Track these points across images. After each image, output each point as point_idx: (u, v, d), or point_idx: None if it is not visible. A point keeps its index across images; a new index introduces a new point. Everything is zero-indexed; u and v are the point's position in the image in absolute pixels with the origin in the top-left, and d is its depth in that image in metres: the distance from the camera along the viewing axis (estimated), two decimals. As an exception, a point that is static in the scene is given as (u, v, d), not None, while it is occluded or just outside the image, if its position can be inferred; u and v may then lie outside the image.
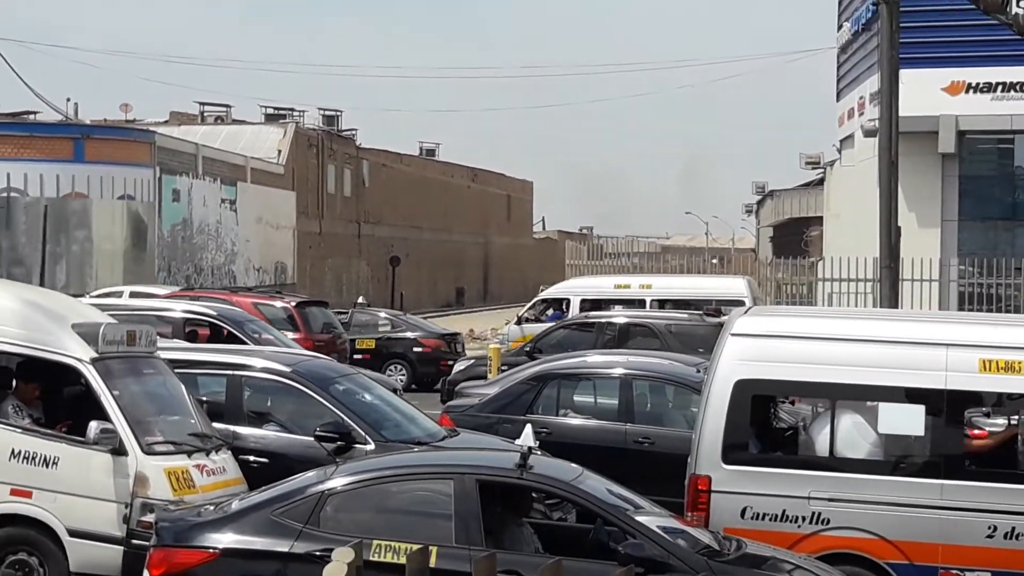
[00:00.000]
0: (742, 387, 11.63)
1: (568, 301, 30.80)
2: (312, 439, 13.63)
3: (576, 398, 17.28)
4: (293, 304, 26.43)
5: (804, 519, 11.40)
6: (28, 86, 53.30)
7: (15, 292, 13.36)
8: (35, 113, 56.18)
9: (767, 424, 12.50)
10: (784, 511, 11.42)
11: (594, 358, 19.01)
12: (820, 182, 57.30)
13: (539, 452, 10.88)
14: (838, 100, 44.90)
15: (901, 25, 23.67)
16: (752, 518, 11.42)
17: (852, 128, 41.54)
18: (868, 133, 34.33)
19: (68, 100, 56.28)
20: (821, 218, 52.11)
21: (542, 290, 35.20)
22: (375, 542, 9.60)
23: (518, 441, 10.41)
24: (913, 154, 31.97)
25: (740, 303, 28.53)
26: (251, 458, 13.50)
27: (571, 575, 9.03)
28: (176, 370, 13.44)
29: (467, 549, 9.56)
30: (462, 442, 14.40)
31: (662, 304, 29.31)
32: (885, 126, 22.87)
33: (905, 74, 24.62)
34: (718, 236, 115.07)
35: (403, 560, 9.36)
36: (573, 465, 10.86)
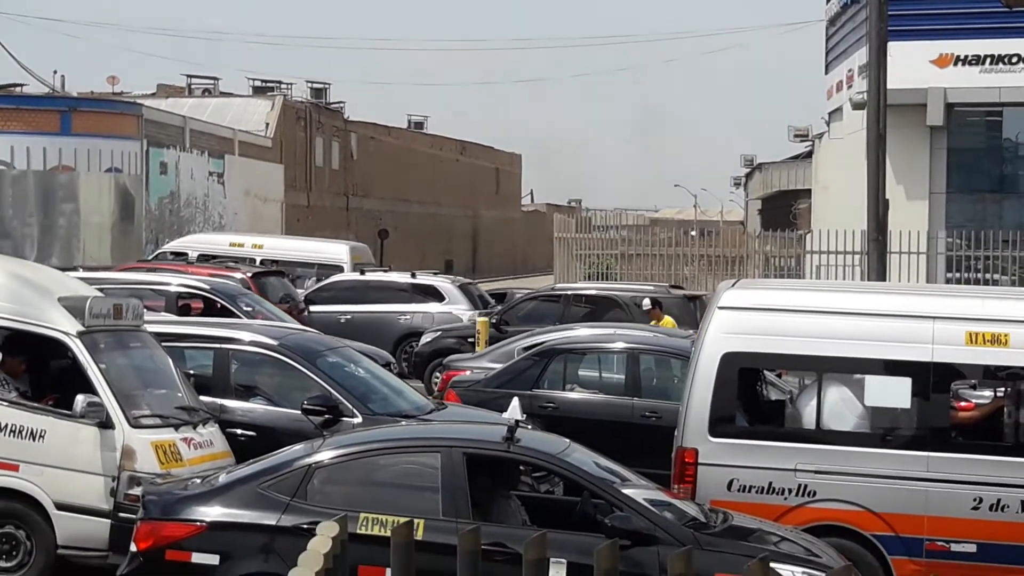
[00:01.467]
0: (729, 360, 11.64)
1: (187, 255, 32.46)
2: (299, 412, 13.63)
3: (582, 373, 17.33)
4: (249, 274, 26.40)
5: (790, 491, 11.43)
6: (14, 58, 52.98)
7: (2, 265, 13.32)
8: (22, 85, 55.93)
9: (754, 397, 12.52)
10: (770, 483, 11.45)
11: (593, 331, 19.26)
12: (809, 155, 57.31)
13: (527, 425, 10.89)
14: (827, 73, 44.86)
15: (889, -3, 23.62)
16: (738, 490, 11.45)
17: (841, 101, 41.51)
18: (856, 106, 34.29)
19: (55, 72, 56.19)
20: (809, 191, 52.14)
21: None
22: (362, 515, 9.62)
23: (505, 414, 10.42)
24: (901, 127, 31.97)
25: (339, 268, 30.88)
26: (238, 431, 13.50)
27: (557, 548, 9.06)
28: (164, 343, 13.42)
29: (454, 522, 9.57)
30: (450, 415, 14.42)
31: (275, 263, 30.50)
32: (873, 99, 22.85)
33: (893, 47, 24.59)
34: (706, 209, 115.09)
35: (390, 533, 9.38)
36: (560, 438, 10.87)
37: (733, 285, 12.49)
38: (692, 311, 25.16)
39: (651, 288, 26.88)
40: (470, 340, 24.52)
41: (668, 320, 22.55)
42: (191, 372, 14.01)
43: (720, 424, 11.61)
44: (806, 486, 11.42)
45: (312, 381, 13.97)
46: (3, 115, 44.22)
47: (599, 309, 25.55)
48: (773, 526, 10.60)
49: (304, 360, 14.19)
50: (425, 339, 26.24)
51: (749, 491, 11.45)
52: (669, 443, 15.39)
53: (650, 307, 23.08)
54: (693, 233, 46.16)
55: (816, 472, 11.42)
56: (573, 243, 42.20)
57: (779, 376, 14.51)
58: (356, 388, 14.20)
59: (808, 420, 11.81)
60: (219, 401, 13.81)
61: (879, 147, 22.82)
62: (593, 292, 27.02)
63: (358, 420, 13.44)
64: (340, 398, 13.73)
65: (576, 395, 16.89)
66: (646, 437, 15.83)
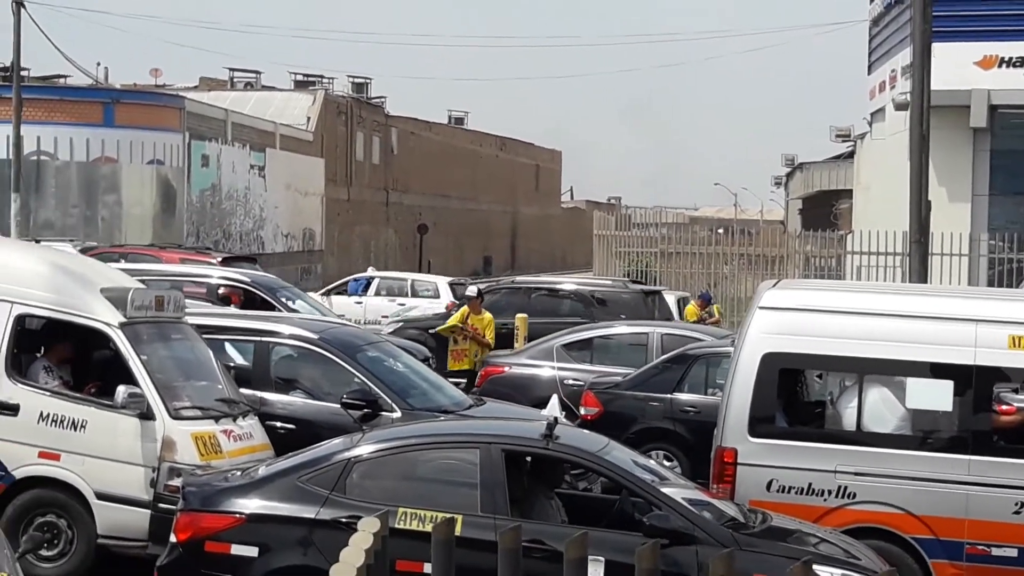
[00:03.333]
0: (769, 360, 11.60)
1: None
2: (339, 406, 13.65)
3: (720, 379, 17.27)
4: (218, 260, 26.39)
5: (830, 493, 11.38)
6: (59, 50, 53.31)
7: (45, 256, 13.42)
8: (65, 77, 56.32)
9: (794, 397, 12.47)
10: (810, 484, 11.40)
11: (632, 328, 20.00)
12: (850, 155, 57.04)
13: (566, 423, 10.89)
14: (869, 73, 44.63)
15: (934, -2, 23.49)
16: (778, 491, 11.40)
17: (883, 101, 41.29)
18: (899, 107, 34.12)
19: (98, 64, 56.76)
20: (851, 191, 51.89)
21: None
22: (400, 509, 9.62)
23: (544, 411, 10.42)
24: (944, 128, 31.78)
25: None
26: (278, 424, 13.54)
27: (595, 546, 9.03)
28: (204, 336, 13.47)
29: (492, 518, 9.57)
30: (488, 411, 14.40)
31: None
32: (917, 100, 22.73)
33: (937, 48, 24.48)
34: (746, 208, 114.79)
35: (428, 528, 9.38)
36: (599, 436, 10.86)
37: (774, 285, 12.45)
38: (651, 306, 25.21)
39: (609, 283, 27.38)
40: (430, 331, 24.63)
41: (487, 316, 21.76)
42: (231, 365, 14.06)
43: (760, 424, 11.56)
44: (846, 488, 11.37)
45: (351, 375, 14.00)
46: (47, 106, 44.51)
47: (561, 302, 26.03)
48: (812, 527, 10.56)
49: (344, 354, 14.22)
50: (386, 331, 26.28)
51: (788, 492, 11.41)
52: None
53: (473, 296, 22.10)
54: (721, 231, 45.96)
55: (856, 474, 11.37)
56: (613, 240, 42.16)
57: (819, 378, 14.48)
58: (395, 383, 14.21)
59: (849, 422, 11.75)
60: (259, 394, 13.86)
61: (922, 148, 22.69)
62: (552, 287, 27.44)
63: (397, 415, 13.46)
64: (379, 392, 13.75)
65: (719, 400, 16.84)
66: None
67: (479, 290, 22.73)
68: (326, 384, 14.23)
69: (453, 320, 21.44)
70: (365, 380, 13.89)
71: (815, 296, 12.38)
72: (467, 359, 20.66)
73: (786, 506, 11.16)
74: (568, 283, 27.58)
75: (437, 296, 35.26)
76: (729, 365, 12.07)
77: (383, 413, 13.50)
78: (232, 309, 19.27)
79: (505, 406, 15.61)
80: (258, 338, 14.47)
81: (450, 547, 8.51)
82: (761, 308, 11.85)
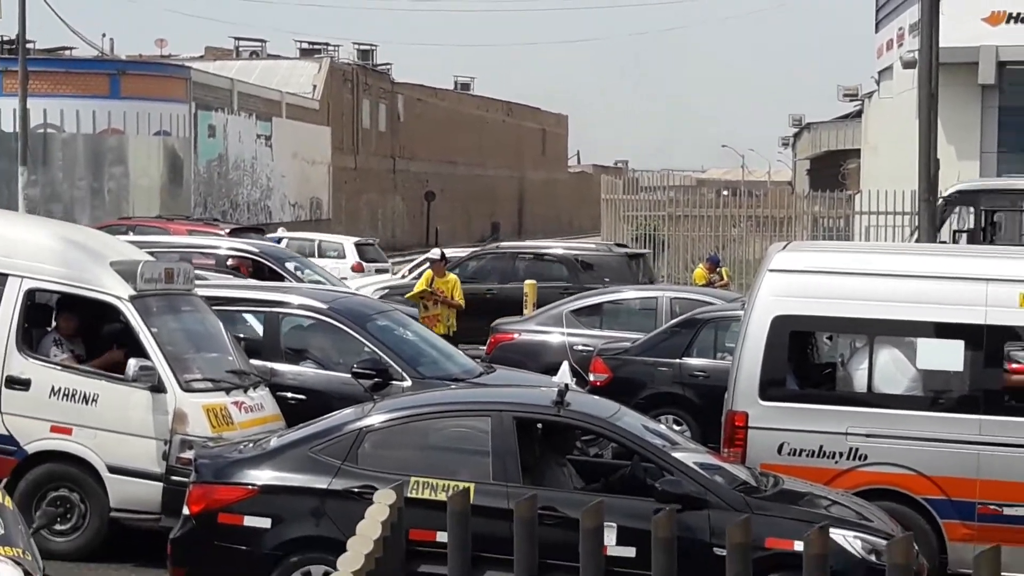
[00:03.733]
0: (780, 323, 11.56)
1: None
2: (349, 376, 13.66)
3: (730, 343, 17.25)
4: (227, 231, 26.38)
5: (841, 455, 11.36)
6: (64, 22, 53.42)
7: (54, 230, 13.41)
8: (71, 49, 56.29)
9: (804, 360, 12.44)
10: (821, 447, 11.38)
11: (639, 292, 20.29)
12: (858, 114, 56.88)
13: (577, 389, 10.88)
14: (877, 31, 44.48)
15: (941, -45, 23.35)
16: (789, 454, 11.38)
17: (891, 59, 41.15)
18: (907, 64, 34.00)
19: (104, 36, 56.66)
20: (859, 151, 51.74)
21: None
22: (413, 479, 9.64)
23: (555, 378, 10.41)
24: (952, 85, 31.65)
25: None
26: (288, 395, 13.54)
27: (608, 512, 9.07)
28: (213, 307, 13.47)
29: (504, 486, 9.59)
30: (499, 379, 14.40)
31: None
32: (925, 57, 22.62)
33: (945, 4, 24.30)
34: (754, 169, 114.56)
35: (441, 496, 9.42)
36: (610, 402, 10.86)
37: (783, 247, 12.40)
38: (635, 270, 25.22)
39: (592, 246, 27.53)
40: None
41: (452, 277, 21.26)
42: (241, 336, 14.06)
43: (771, 387, 11.53)
44: (857, 449, 11.35)
45: (362, 344, 13.99)
46: (53, 78, 44.44)
47: (543, 265, 25.99)
48: (824, 490, 10.57)
49: (354, 323, 14.20)
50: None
51: (800, 455, 11.38)
52: None
53: (436, 259, 21.45)
54: (725, 192, 45.79)
55: (867, 436, 11.35)
56: (620, 204, 42.04)
57: (829, 340, 14.45)
58: (405, 351, 14.20)
59: (859, 383, 11.72)
60: (269, 364, 13.87)
61: (931, 106, 22.60)
62: (536, 251, 27.36)
63: (408, 384, 13.46)
64: (390, 361, 13.74)
65: (728, 364, 16.81)
66: None
67: (442, 252, 22.27)
68: (336, 354, 14.23)
69: (420, 286, 20.78)
70: (375, 349, 13.88)
71: (825, 258, 12.35)
72: (440, 324, 20.07)
73: (798, 469, 11.14)
74: (553, 248, 27.54)
75: (343, 257, 35.15)
76: (739, 328, 12.02)
77: (393, 382, 13.50)
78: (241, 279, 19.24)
79: (516, 373, 15.60)
80: (268, 308, 14.47)
81: (466, 518, 8.54)
82: (771, 271, 11.81)
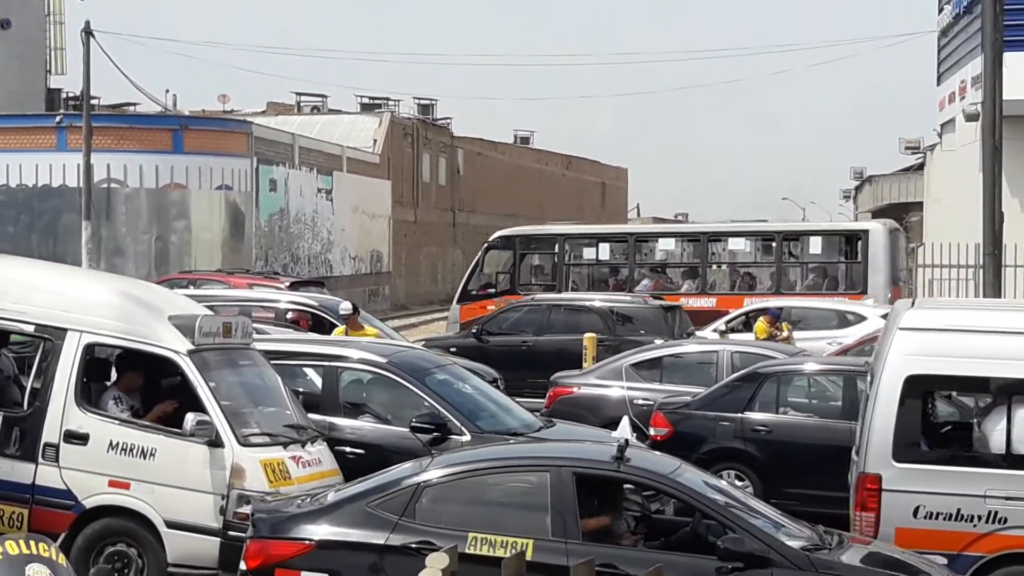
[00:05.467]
0: (912, 382, 11.22)
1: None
2: (407, 430, 13.58)
3: (792, 397, 17.14)
4: (287, 284, 26.42)
5: (980, 518, 10.98)
6: (128, 78, 53.94)
7: (113, 285, 13.47)
8: (135, 105, 56.92)
9: (939, 420, 12.12)
10: (959, 510, 11.00)
11: (700, 347, 20.23)
12: (920, 167, 56.53)
13: (638, 444, 10.75)
14: (938, 84, 44.21)
15: (1004, 7, 23.23)
16: (925, 517, 11.03)
17: (953, 112, 40.87)
18: (970, 117, 33.77)
19: (167, 91, 57.25)
20: (921, 203, 51.42)
21: None
22: (471, 534, 9.54)
23: (614, 433, 10.29)
24: (1016, 138, 31.38)
25: None
26: (347, 449, 13.49)
27: (670, 570, 8.93)
28: (273, 361, 13.45)
29: (563, 543, 9.47)
30: (558, 433, 14.28)
31: None
32: (988, 110, 22.47)
33: (1008, 57, 24.17)
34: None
35: (499, 553, 9.31)
36: (671, 458, 10.72)
37: (912, 305, 12.06)
38: (670, 322, 25.03)
39: (628, 298, 27.44)
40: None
41: (371, 330, 20.62)
42: (300, 390, 14.03)
43: (904, 449, 11.18)
44: (996, 513, 10.95)
45: (420, 399, 13.93)
46: (117, 134, 44.91)
47: (579, 318, 25.87)
48: (892, 549, 10.36)
49: (412, 377, 14.15)
50: None
51: (936, 518, 11.02)
52: None
53: (350, 313, 20.60)
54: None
55: (1007, 498, 10.94)
56: (681, 257, 41.83)
57: (961, 400, 14.02)
58: (464, 405, 14.13)
59: (997, 444, 11.31)
60: (328, 419, 13.82)
61: (994, 159, 22.42)
62: (570, 304, 27.19)
63: (467, 438, 13.37)
64: (448, 416, 13.67)
65: (791, 419, 16.68)
66: None
67: (354, 305, 21.24)
68: (395, 408, 14.17)
69: None
70: (434, 403, 13.82)
71: (958, 315, 11.93)
72: None
73: (935, 532, 10.86)
74: (588, 300, 27.40)
75: None
76: (871, 389, 11.61)
77: (452, 436, 13.43)
78: (301, 333, 19.25)
79: (576, 427, 15.48)
80: (327, 363, 14.44)
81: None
82: (901, 329, 11.43)
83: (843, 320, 27.98)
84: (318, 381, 14.46)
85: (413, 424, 13.55)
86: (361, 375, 14.49)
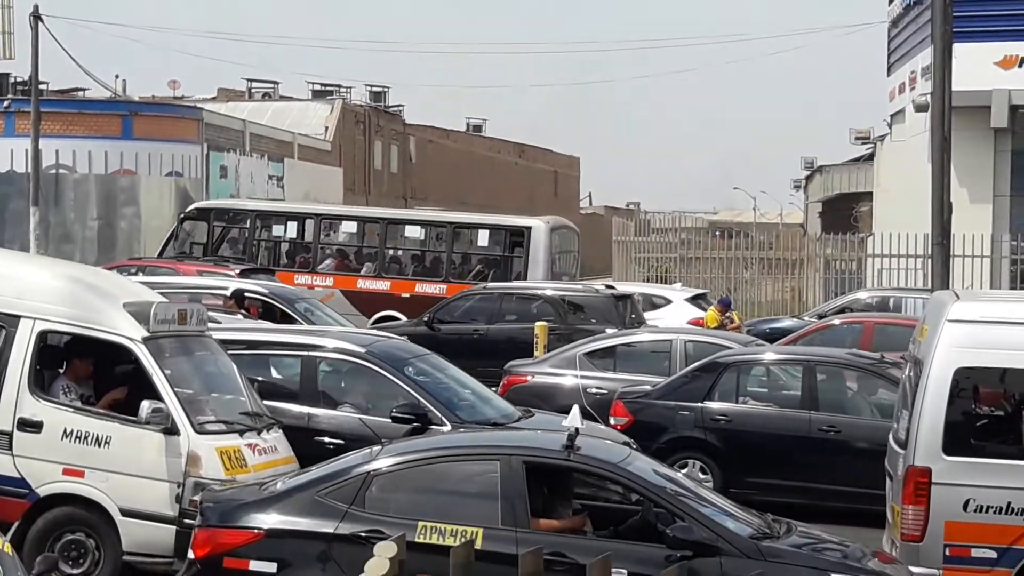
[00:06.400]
0: (962, 375, 11.18)
1: None
2: (386, 420, 13.51)
3: (751, 387, 17.23)
4: (237, 272, 26.35)
5: None
6: (77, 63, 53.41)
7: (67, 271, 13.38)
8: (84, 90, 56.47)
9: (989, 413, 12.08)
10: (1009, 503, 10.96)
11: (653, 335, 20.33)
12: (870, 157, 56.86)
13: (588, 434, 10.80)
14: (889, 75, 44.57)
15: (953, -1, 23.43)
16: (975, 511, 10.98)
17: (903, 103, 41.22)
18: (919, 108, 34.10)
19: (116, 77, 56.61)
20: (871, 193, 51.77)
21: None
22: (420, 523, 9.57)
23: (564, 422, 10.35)
24: (965, 129, 31.70)
25: None
26: (326, 439, 13.48)
27: (618, 558, 9.00)
28: (247, 352, 13.41)
29: (513, 531, 9.53)
30: (537, 423, 14.17)
31: None
32: (937, 101, 22.69)
33: (957, 48, 24.41)
34: (766, 211, 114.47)
35: (449, 541, 9.34)
36: (621, 446, 10.81)
37: (957, 297, 11.94)
38: (621, 311, 25.16)
39: (580, 287, 27.41)
40: None
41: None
42: (279, 379, 13.97)
43: (954, 442, 11.11)
44: None
45: (400, 388, 13.87)
46: (65, 119, 44.64)
47: (530, 306, 25.98)
48: (837, 538, 10.48)
49: (391, 367, 14.06)
50: None
51: (987, 511, 10.98)
52: (848, 457, 15.43)
53: (227, 297, 20.41)
54: (717, 234, 45.98)
55: None
56: (632, 246, 42.14)
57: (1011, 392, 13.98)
58: (443, 395, 14.06)
59: None
60: (306, 409, 13.79)
61: (944, 149, 22.66)
62: (523, 292, 27.19)
63: (447, 428, 13.29)
64: (428, 406, 13.59)
65: (751, 408, 16.77)
66: (825, 451, 15.86)
67: (235, 291, 20.86)
68: (373, 398, 14.10)
69: None
70: (414, 393, 13.75)
71: (1006, 307, 11.84)
72: None
73: (984, 526, 10.85)
74: (540, 288, 27.37)
75: None
76: (920, 381, 11.44)
77: (432, 426, 13.37)
78: (270, 324, 19.09)
79: (555, 417, 15.47)
80: (303, 352, 14.37)
81: (469, 569, 8.46)
82: (950, 321, 11.32)
83: (650, 303, 29.36)
84: (296, 371, 14.35)
85: (394, 414, 13.43)
86: (339, 365, 14.42)
